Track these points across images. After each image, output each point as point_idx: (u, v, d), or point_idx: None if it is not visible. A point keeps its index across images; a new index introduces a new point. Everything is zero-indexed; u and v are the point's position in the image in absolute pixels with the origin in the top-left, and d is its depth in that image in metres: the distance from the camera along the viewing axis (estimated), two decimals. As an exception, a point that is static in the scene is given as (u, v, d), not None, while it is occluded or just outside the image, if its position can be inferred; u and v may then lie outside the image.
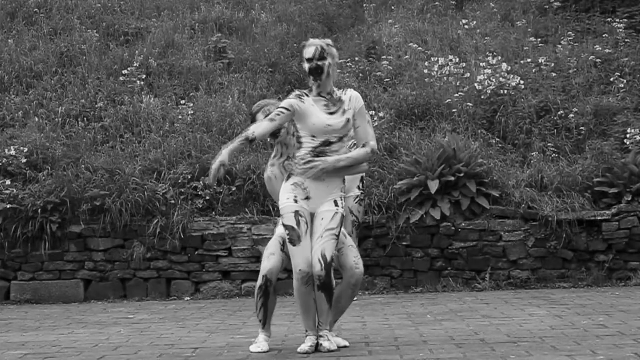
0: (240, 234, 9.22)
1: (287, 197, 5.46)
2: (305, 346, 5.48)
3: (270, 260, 5.62)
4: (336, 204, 5.45)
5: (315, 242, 5.39)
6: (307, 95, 5.54)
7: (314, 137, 5.47)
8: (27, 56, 11.83)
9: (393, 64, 11.66)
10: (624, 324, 6.26)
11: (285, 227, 5.43)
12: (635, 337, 5.63)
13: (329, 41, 5.66)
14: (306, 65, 5.53)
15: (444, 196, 9.08)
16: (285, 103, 5.51)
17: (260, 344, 5.66)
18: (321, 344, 5.46)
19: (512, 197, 9.17)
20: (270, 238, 5.86)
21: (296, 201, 5.43)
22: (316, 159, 5.46)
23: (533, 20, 12.88)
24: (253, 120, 5.82)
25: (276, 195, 5.65)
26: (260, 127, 5.43)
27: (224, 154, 5.34)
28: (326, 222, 5.41)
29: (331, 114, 5.50)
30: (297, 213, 5.40)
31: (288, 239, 5.42)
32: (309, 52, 5.52)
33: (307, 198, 5.45)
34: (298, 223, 5.39)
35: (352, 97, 5.57)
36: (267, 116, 5.56)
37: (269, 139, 5.82)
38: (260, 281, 5.62)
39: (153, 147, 10.04)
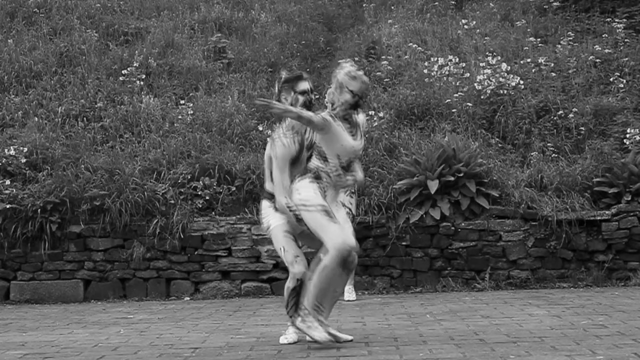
0: (239, 233, 9.21)
1: (314, 191, 5.58)
2: (323, 334, 5.54)
3: (300, 264, 5.72)
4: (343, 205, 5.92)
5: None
6: (335, 118, 5.67)
7: (338, 156, 5.65)
8: (26, 56, 11.83)
9: (393, 63, 11.65)
10: (623, 323, 6.26)
11: (321, 205, 5.52)
12: (634, 337, 5.63)
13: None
14: (351, 98, 5.64)
15: (444, 196, 9.07)
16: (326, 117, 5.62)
17: (289, 335, 5.84)
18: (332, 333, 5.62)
19: (512, 197, 9.16)
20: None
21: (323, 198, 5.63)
22: (348, 174, 5.72)
23: (532, 20, 12.87)
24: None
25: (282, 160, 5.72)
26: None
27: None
28: (342, 213, 5.74)
29: (353, 136, 5.71)
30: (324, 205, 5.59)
31: (327, 213, 5.50)
32: (355, 86, 5.64)
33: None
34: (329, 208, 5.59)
35: (363, 121, 5.86)
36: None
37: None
38: (293, 283, 5.72)
39: (152, 147, 10.03)
